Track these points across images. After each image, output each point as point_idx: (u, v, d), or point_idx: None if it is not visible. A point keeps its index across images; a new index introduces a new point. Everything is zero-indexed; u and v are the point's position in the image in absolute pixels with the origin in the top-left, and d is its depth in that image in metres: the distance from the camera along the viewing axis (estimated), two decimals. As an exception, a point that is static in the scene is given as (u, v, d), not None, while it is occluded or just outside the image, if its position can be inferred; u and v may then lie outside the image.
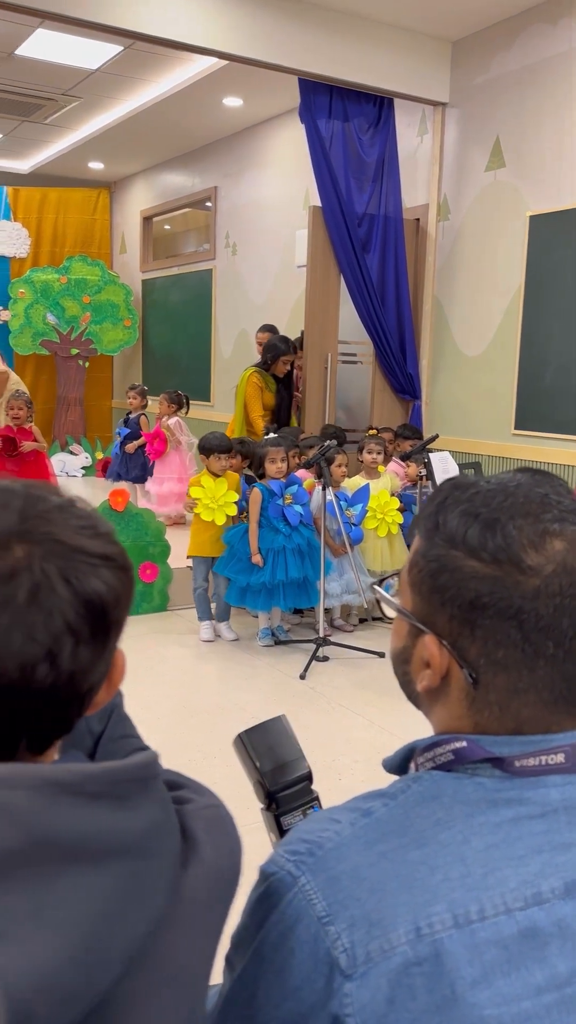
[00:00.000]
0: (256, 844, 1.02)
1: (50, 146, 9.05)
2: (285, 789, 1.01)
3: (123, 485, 6.77)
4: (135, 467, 7.22)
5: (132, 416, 7.41)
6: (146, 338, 10.05)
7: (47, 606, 0.59)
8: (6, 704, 0.59)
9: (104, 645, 0.63)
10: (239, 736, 1.03)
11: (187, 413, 7.25)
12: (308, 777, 1.03)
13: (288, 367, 5.72)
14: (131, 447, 7.19)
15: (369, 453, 4.96)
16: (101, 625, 0.62)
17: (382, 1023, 0.63)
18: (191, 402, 7.43)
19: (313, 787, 1.03)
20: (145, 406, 7.48)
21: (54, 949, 0.53)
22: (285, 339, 5.75)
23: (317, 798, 1.03)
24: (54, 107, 7.56)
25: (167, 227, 9.99)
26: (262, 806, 1.02)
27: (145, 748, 0.93)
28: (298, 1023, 0.67)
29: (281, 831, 1.00)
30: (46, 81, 6.87)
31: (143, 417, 7.36)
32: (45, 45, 6.04)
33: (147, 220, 9.92)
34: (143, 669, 4.09)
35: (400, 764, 0.79)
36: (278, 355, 5.64)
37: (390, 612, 0.82)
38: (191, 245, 9.56)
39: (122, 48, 5.99)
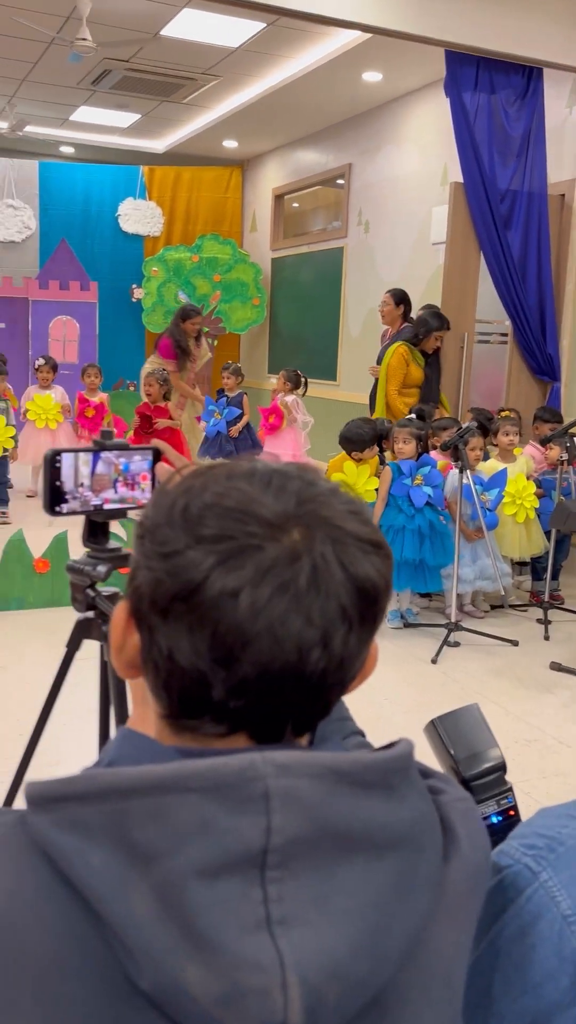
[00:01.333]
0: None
1: (186, 125, 9.16)
2: (479, 778, 1.00)
3: None
4: (244, 447, 6.97)
5: (232, 396, 7.00)
6: (274, 317, 10.09)
7: (325, 590, 0.58)
8: (281, 687, 0.59)
9: (371, 632, 0.62)
10: (432, 722, 1.03)
11: (304, 394, 7.12)
12: (502, 767, 1.01)
13: (439, 343, 5.51)
14: (234, 431, 6.84)
15: (506, 435, 4.84)
16: (370, 611, 0.61)
17: None
18: (318, 380, 7.38)
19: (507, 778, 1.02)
20: (240, 384, 7.28)
21: (341, 936, 0.53)
22: (438, 314, 5.44)
23: (511, 789, 1.01)
24: (193, 86, 7.64)
25: (295, 205, 9.98)
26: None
27: (360, 731, 0.93)
28: (537, 1020, 0.66)
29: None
30: (188, 61, 6.94)
31: (245, 396, 7.19)
32: (190, 24, 6.10)
33: (279, 198, 9.93)
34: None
35: None
36: (430, 330, 5.33)
37: None
38: (320, 223, 9.52)
39: (265, 25, 5.99)
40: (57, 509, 1.24)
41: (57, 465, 1.21)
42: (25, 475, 6.65)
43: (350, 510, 0.62)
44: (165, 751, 0.61)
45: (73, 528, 4.65)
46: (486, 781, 1.01)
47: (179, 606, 0.58)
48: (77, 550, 4.61)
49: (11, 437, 5.75)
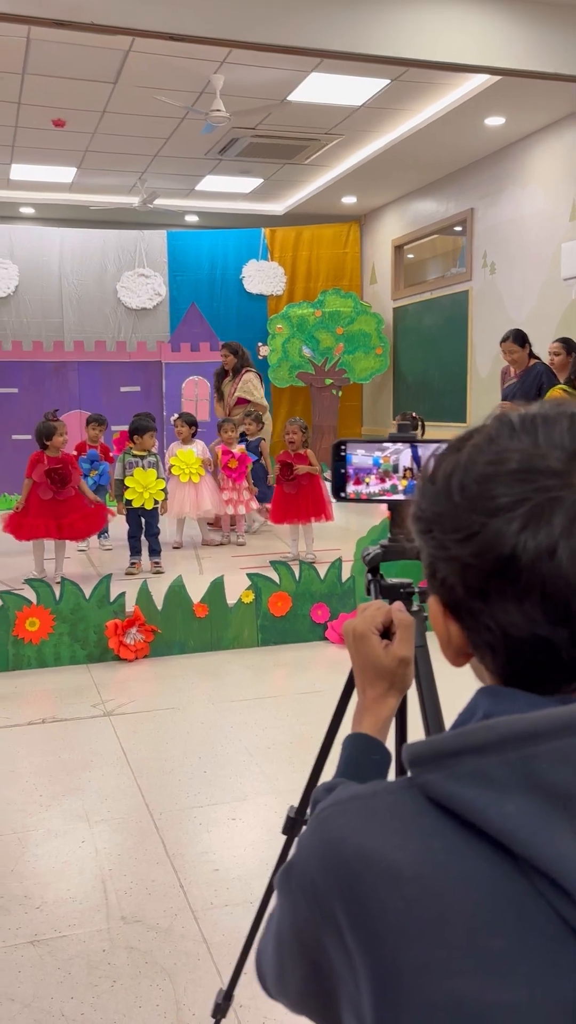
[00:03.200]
0: None
1: (306, 186, 9.45)
2: None
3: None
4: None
5: (252, 440, 7.24)
6: (397, 364, 10.17)
7: None
8: None
9: None
10: None
11: (423, 434, 7.13)
12: None
13: None
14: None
15: None
16: None
17: None
18: (446, 423, 7.40)
19: None
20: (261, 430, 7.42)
21: None
22: None
23: None
24: (316, 147, 7.89)
25: (410, 256, 10.08)
26: None
27: None
28: None
29: None
30: (312, 123, 7.19)
31: (263, 442, 7.35)
32: (317, 88, 6.33)
33: (398, 249, 10.08)
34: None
35: None
36: None
37: None
38: (437, 270, 9.58)
39: (389, 80, 6.16)
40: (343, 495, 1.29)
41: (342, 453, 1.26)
42: (171, 527, 6.85)
43: None
44: (545, 701, 0.60)
45: (230, 574, 4.76)
46: None
47: (497, 582, 0.57)
48: (233, 595, 4.69)
49: (162, 490, 5.94)
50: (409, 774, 0.58)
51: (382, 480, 1.25)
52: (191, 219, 10.68)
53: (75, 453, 6.39)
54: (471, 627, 0.61)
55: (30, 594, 4.29)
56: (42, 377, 9.27)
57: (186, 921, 2.18)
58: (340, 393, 10.45)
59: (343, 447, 1.25)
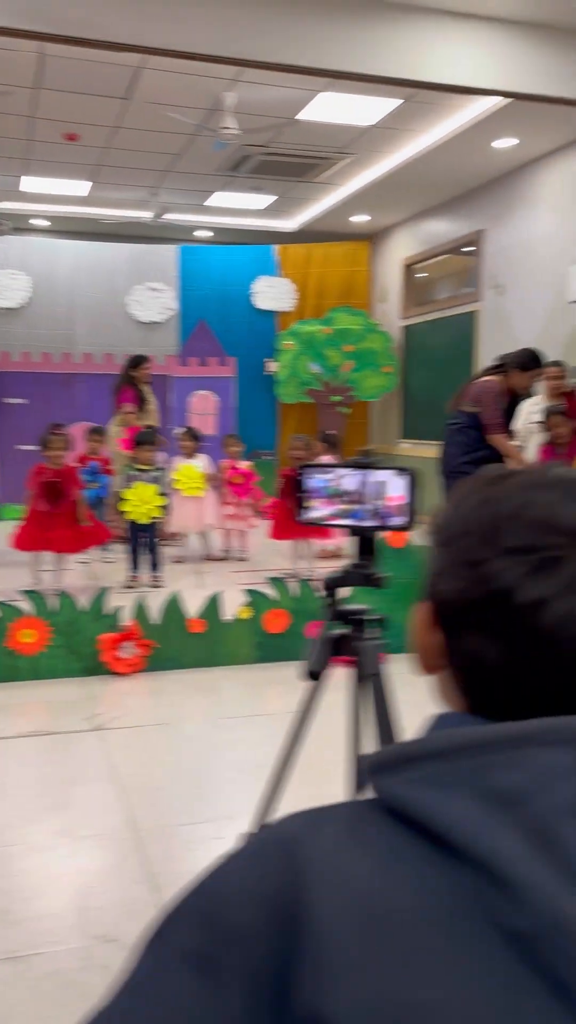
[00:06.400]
0: None
1: (318, 203, 9.50)
2: None
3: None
4: None
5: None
6: (406, 382, 10.17)
7: None
8: None
9: None
10: None
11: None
12: None
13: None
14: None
15: None
16: None
17: None
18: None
19: None
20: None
21: None
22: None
23: None
24: (327, 165, 7.93)
25: (421, 275, 10.10)
26: None
27: None
28: None
29: None
30: (323, 141, 7.22)
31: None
32: (327, 107, 6.37)
33: (408, 268, 10.10)
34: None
35: None
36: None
37: None
38: (447, 290, 9.60)
39: (401, 101, 6.19)
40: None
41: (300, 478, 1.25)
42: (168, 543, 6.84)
43: None
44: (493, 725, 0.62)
45: (226, 589, 4.75)
46: None
47: (486, 613, 0.61)
48: (230, 610, 4.67)
49: (161, 506, 5.94)
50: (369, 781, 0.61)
51: (333, 503, 1.24)
52: (204, 234, 10.73)
53: (77, 465, 6.40)
54: (451, 642, 0.65)
55: (27, 605, 4.28)
56: (50, 388, 9.31)
57: (163, 942, 2.15)
58: (348, 411, 10.45)
59: (302, 471, 1.25)
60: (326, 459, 7.03)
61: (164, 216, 9.34)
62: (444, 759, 0.57)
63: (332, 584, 1.23)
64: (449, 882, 0.54)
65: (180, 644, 4.51)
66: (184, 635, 4.51)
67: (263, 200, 9.25)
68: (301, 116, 6.60)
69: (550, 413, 5.85)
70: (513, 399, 5.66)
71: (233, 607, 4.55)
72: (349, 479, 1.25)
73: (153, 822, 2.78)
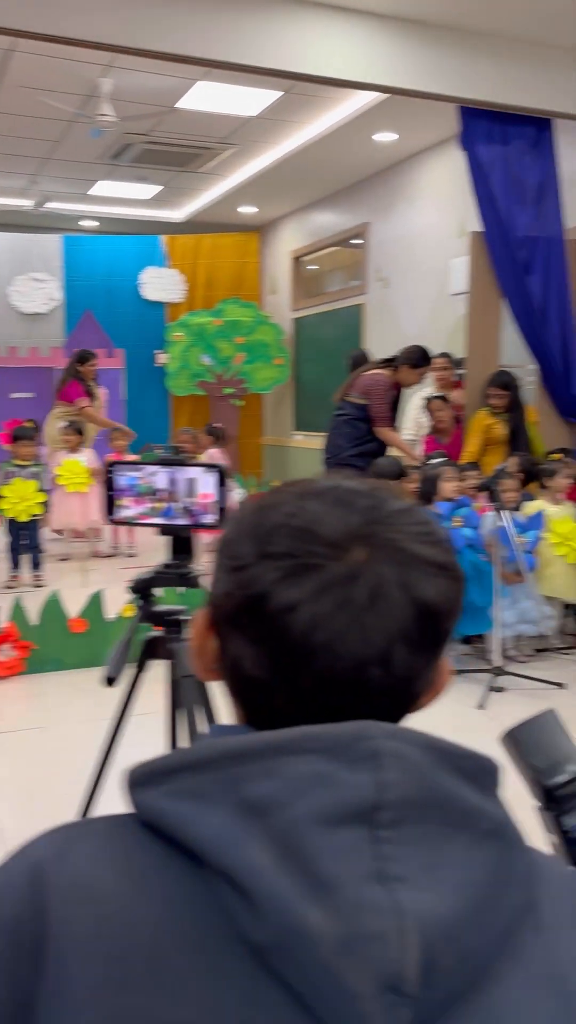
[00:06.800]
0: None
1: (204, 194, 9.41)
2: (563, 786, 0.95)
3: None
4: None
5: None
6: (298, 375, 10.20)
7: (384, 611, 0.59)
8: (341, 701, 0.61)
9: (434, 653, 0.63)
10: (509, 732, 0.99)
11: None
12: None
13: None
14: None
15: (565, 478, 4.79)
16: (434, 633, 0.62)
17: None
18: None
19: None
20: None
21: (451, 904, 0.53)
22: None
23: None
24: (210, 155, 7.86)
25: (311, 267, 10.15)
26: (539, 805, 0.97)
27: None
28: None
29: (563, 832, 0.94)
30: (205, 131, 7.15)
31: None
32: (206, 96, 6.30)
33: (297, 260, 10.12)
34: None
35: None
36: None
37: None
38: (338, 283, 9.67)
39: (282, 93, 6.17)
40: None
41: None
42: (56, 539, 6.68)
43: (421, 531, 0.63)
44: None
45: (111, 587, 4.66)
46: (571, 791, 0.96)
47: (245, 618, 0.61)
48: (113, 609, 4.59)
49: (42, 503, 5.78)
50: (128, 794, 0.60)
51: (141, 502, 1.21)
52: (89, 224, 10.50)
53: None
54: (221, 648, 0.65)
55: None
56: None
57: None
58: (241, 403, 10.42)
59: (112, 469, 1.21)
60: (213, 452, 7.03)
61: (46, 205, 9.08)
62: (200, 770, 0.57)
63: (142, 585, 1.21)
64: (200, 897, 0.54)
65: (61, 645, 4.41)
66: (65, 635, 4.41)
67: (148, 190, 9.10)
68: (180, 105, 6.51)
69: (431, 399, 5.96)
70: (400, 394, 5.81)
71: (118, 605, 4.47)
72: (159, 477, 1.22)
73: (24, 830, 2.69)
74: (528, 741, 0.98)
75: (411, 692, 0.63)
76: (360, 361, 7.80)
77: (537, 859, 0.64)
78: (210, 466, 1.34)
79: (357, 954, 0.50)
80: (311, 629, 0.58)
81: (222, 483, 1.33)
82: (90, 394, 7.41)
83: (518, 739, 0.98)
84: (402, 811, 0.54)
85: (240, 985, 0.52)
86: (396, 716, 0.64)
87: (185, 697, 1.15)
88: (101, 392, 7.78)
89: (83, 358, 7.47)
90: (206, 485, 1.33)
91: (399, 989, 0.50)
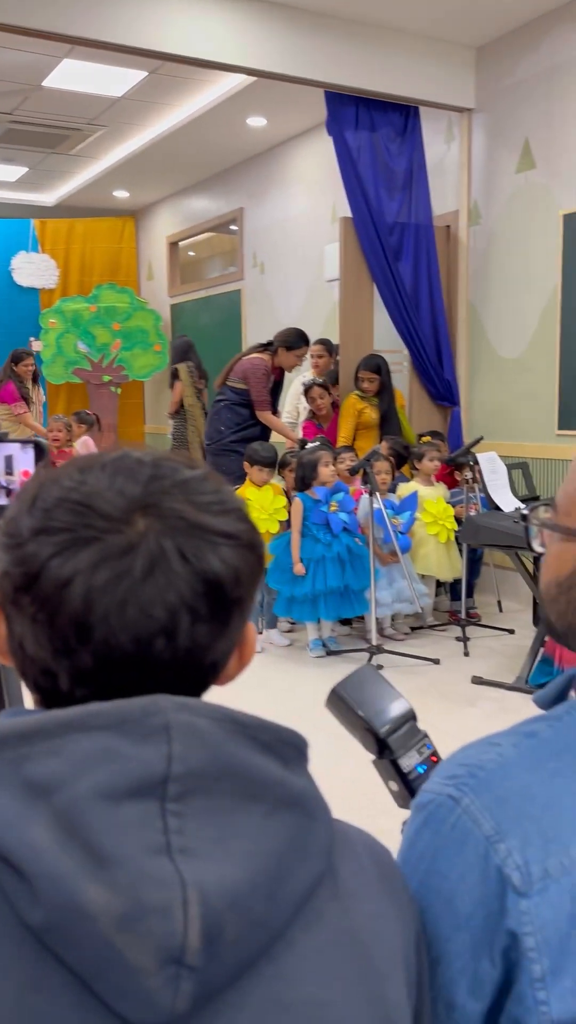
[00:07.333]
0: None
1: (75, 177, 9.18)
2: (394, 731, 0.98)
3: None
4: None
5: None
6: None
7: (163, 582, 0.58)
8: (124, 677, 0.59)
9: (225, 623, 0.62)
10: (334, 691, 1.01)
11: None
12: (412, 716, 1.00)
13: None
14: None
15: (431, 460, 4.90)
16: (220, 603, 0.61)
17: (565, 942, 0.61)
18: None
19: (420, 726, 1.00)
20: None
21: (240, 873, 0.53)
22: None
23: (427, 736, 1.00)
24: (79, 137, 7.67)
25: (191, 253, 10.06)
26: (373, 757, 0.99)
27: None
28: (473, 955, 0.63)
29: (402, 775, 0.97)
30: (72, 111, 6.96)
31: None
32: (71, 75, 6.13)
33: (173, 245, 10.01)
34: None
35: (556, 696, 0.77)
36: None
37: (539, 544, 0.78)
38: (217, 269, 9.61)
39: (147, 73, 6.06)
40: None
41: None
42: None
43: (210, 500, 0.62)
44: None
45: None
46: (401, 733, 0.99)
47: (23, 597, 0.59)
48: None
49: None
50: None
51: None
52: (-46, 206, 10.09)
53: None
54: (7, 629, 0.63)
55: None
56: None
57: None
58: (119, 390, 10.24)
59: None
60: (86, 439, 6.88)
61: None
62: None
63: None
64: None
65: None
66: None
67: (14, 171, 8.81)
68: (47, 84, 6.32)
69: (311, 386, 6.00)
70: (282, 378, 5.84)
71: None
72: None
73: None
74: (352, 695, 1.00)
75: (204, 664, 0.62)
76: (182, 349, 7.89)
77: (341, 828, 0.64)
78: (27, 442, 1.30)
79: (137, 928, 0.49)
80: (87, 604, 0.57)
81: (40, 460, 1.30)
82: (26, 398, 7.33)
83: (342, 695, 1.00)
84: (192, 783, 0.54)
85: (21, 971, 0.50)
86: (194, 690, 0.63)
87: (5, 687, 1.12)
88: (36, 394, 7.65)
89: (17, 358, 7.34)
90: (24, 463, 1.29)
91: (181, 961, 0.49)
